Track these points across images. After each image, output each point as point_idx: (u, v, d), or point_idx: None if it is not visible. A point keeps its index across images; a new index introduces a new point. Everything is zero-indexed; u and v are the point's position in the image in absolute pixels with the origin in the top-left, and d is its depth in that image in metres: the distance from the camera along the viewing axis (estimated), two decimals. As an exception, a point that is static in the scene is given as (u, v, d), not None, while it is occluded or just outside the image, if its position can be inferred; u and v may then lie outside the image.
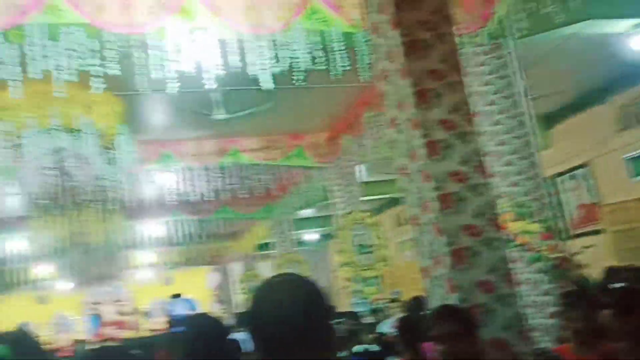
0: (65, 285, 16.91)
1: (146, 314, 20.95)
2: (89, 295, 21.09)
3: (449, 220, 3.12)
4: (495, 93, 4.77)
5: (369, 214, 8.26)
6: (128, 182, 6.77)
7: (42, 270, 14.51)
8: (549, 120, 8.82)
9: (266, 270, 15.57)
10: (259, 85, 6.15)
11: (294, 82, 4.96)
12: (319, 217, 15.00)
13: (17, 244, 10.81)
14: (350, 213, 8.14)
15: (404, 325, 4.11)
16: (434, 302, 3.22)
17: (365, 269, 8.19)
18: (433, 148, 3.18)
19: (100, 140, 5.71)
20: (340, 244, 8.20)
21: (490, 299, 3.05)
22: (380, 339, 5.60)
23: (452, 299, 3.02)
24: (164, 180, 7.97)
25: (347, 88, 6.75)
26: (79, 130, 5.46)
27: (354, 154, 7.64)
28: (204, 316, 2.60)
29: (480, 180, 3.22)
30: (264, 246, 16.06)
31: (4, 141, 5.36)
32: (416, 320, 4.27)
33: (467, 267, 3.07)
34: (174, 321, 3.04)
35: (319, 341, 1.22)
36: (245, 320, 1.27)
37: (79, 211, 8.35)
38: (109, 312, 20.77)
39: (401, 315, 6.58)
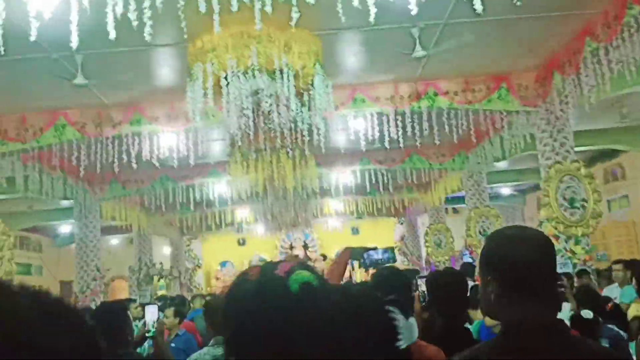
0: (261, 229, 17.99)
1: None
2: (282, 240, 22.46)
3: None
4: None
5: (582, 164, 7.29)
6: (322, 127, 6.65)
7: (241, 213, 15.49)
8: None
9: (455, 224, 15.00)
10: (462, 18, 5.57)
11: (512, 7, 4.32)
12: (514, 170, 13.97)
13: (220, 187, 11.53)
14: (560, 163, 7.24)
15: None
16: None
17: (573, 226, 7.30)
18: None
19: (296, 81, 5.59)
20: (546, 196, 7.36)
21: None
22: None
23: None
24: (355, 125, 7.75)
25: (565, 16, 5.86)
26: (276, 71, 5.37)
27: (568, 96, 6.70)
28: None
29: None
30: (453, 200, 15.47)
31: (210, 83, 5.46)
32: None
33: None
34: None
35: (552, 293, 1.44)
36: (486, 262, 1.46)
37: (275, 156, 8.57)
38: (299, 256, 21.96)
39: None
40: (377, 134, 7.46)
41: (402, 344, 1.24)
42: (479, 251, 9.16)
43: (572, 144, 7.43)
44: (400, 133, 7.46)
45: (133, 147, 7.43)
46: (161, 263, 14.80)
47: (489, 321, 5.41)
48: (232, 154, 9.02)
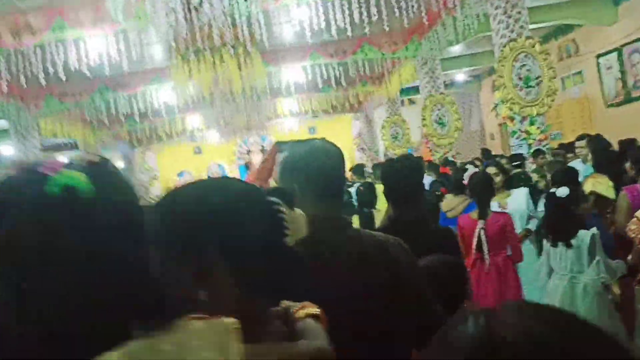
0: (215, 136, 17.51)
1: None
2: (239, 145, 22.04)
3: None
4: None
5: (537, 40, 7.01)
6: (260, 18, 6.10)
7: (192, 120, 14.93)
8: None
9: (412, 115, 14.84)
10: None
11: None
12: (468, 54, 13.65)
13: (165, 94, 10.91)
14: (514, 40, 6.95)
15: (475, 180, 4.21)
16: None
17: (528, 105, 7.14)
18: None
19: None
20: (501, 77, 7.13)
21: None
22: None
23: None
24: (299, 15, 7.20)
25: None
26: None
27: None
28: None
29: None
30: (409, 90, 15.21)
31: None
32: (487, 176, 4.38)
33: None
34: None
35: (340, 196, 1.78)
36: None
37: (217, 55, 8.04)
38: (257, 162, 21.68)
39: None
40: (323, 23, 6.95)
41: (290, 240, 1.03)
42: (435, 140, 8.96)
43: (527, 19, 7.11)
44: (347, 20, 6.97)
45: (58, 56, 6.78)
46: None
47: (445, 205, 5.32)
48: (171, 57, 8.43)
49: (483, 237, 3.93)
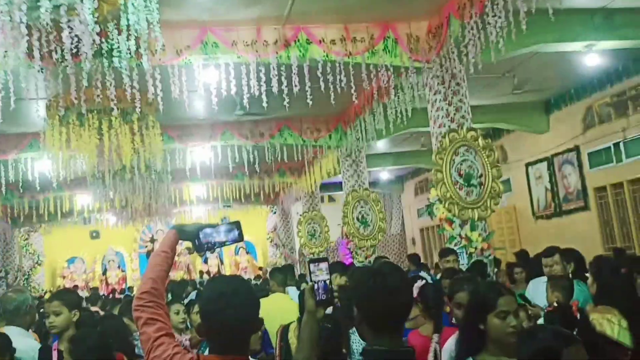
0: (114, 220, 15.59)
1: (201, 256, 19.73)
2: (142, 232, 20.02)
3: None
4: None
5: (480, 133, 6.09)
6: (157, 77, 4.80)
7: (83, 199, 13.02)
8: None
9: (331, 212, 13.73)
10: None
11: None
12: (393, 153, 12.89)
13: (46, 164, 9.10)
14: (455, 131, 5.98)
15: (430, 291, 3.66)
16: None
17: (470, 207, 6.09)
18: None
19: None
20: (439, 172, 6.08)
21: None
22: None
23: None
24: (205, 78, 5.94)
25: None
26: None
27: (468, 45, 5.40)
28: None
29: None
30: (329, 186, 14.21)
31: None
32: (440, 288, 3.89)
33: None
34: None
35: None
36: None
37: (105, 120, 6.63)
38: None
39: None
40: (233, 89, 5.72)
41: None
42: (357, 241, 7.66)
43: (469, 109, 6.23)
44: (263, 89, 5.80)
45: None
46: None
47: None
48: (47, 116, 6.93)
49: (439, 355, 3.44)
